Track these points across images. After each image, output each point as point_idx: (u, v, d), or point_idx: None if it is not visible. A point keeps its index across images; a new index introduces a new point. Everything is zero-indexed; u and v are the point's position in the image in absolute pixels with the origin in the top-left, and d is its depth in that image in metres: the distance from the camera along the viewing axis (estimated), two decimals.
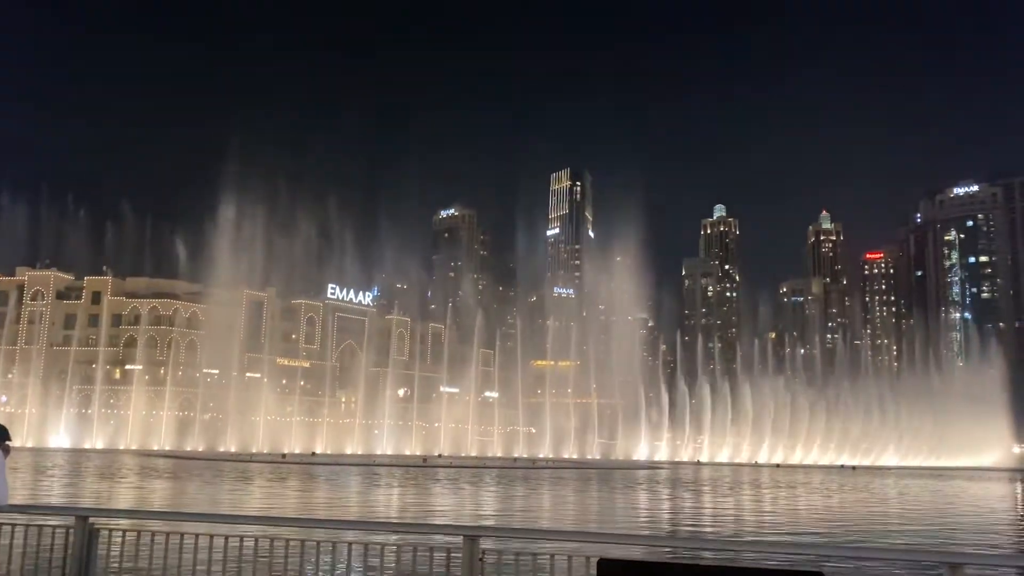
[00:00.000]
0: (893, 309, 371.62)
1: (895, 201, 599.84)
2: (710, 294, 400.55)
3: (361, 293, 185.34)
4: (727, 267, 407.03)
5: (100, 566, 6.81)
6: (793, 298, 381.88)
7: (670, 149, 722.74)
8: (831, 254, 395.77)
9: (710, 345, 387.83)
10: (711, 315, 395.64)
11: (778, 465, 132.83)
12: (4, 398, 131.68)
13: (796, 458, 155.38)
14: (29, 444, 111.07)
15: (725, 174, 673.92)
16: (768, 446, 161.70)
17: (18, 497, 7.20)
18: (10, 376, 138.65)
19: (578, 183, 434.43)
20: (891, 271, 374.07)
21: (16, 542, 6.96)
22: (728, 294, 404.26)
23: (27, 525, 7.05)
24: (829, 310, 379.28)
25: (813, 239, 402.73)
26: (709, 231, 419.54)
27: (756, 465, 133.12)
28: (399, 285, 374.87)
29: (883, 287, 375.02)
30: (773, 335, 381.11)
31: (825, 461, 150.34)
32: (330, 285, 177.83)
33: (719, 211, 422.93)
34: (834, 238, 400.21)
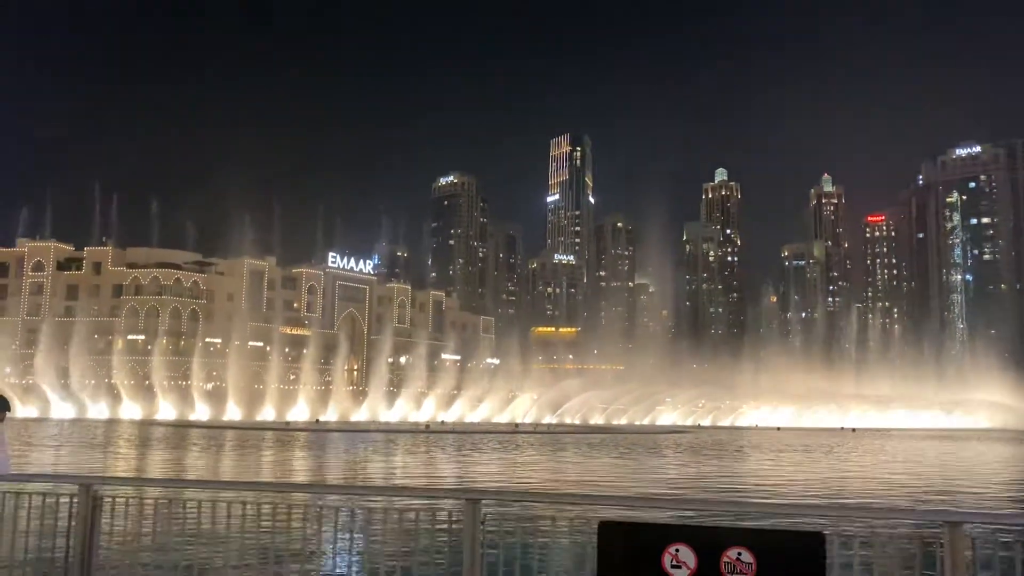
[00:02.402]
0: (895, 272, 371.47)
1: (897, 163, 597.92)
2: (711, 258, 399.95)
3: (362, 261, 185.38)
4: (728, 231, 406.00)
5: (104, 531, 6.83)
6: (795, 261, 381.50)
7: (670, 113, 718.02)
8: (833, 217, 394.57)
9: (711, 309, 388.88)
10: (712, 280, 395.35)
11: (779, 428, 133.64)
12: (8, 369, 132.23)
13: (796, 421, 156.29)
14: (34, 415, 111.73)
15: (726, 138, 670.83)
16: (769, 409, 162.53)
17: (23, 467, 7.19)
18: (13, 347, 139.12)
19: (578, 148, 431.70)
20: (893, 234, 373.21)
21: (20, 511, 6.97)
22: (729, 258, 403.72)
23: (31, 494, 7.07)
24: (830, 273, 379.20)
25: (815, 202, 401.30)
26: (710, 195, 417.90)
27: (757, 428, 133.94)
28: (399, 253, 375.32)
29: (885, 250, 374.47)
30: (774, 298, 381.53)
31: (825, 424, 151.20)
32: (331, 253, 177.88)
33: (720, 175, 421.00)
34: (836, 201, 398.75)
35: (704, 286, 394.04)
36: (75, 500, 6.87)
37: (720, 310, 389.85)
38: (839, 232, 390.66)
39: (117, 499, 6.97)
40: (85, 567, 6.78)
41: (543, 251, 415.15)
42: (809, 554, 5.58)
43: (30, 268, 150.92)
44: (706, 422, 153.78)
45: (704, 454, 52.69)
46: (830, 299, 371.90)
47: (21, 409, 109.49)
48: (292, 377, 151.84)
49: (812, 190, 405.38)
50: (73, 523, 6.83)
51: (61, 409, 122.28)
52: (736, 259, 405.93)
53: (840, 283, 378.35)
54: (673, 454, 52.06)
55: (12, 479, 6.99)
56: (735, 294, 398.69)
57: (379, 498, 7.43)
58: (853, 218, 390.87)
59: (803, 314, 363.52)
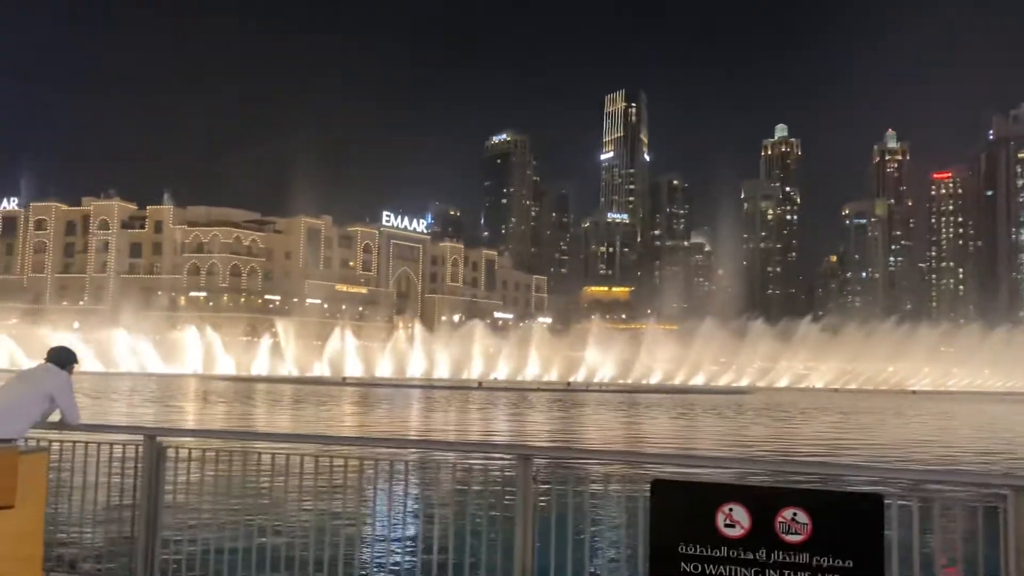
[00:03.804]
0: (961, 231, 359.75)
1: (965, 118, 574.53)
2: (770, 217, 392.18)
3: (415, 220, 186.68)
4: (788, 189, 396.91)
5: (168, 480, 7.07)
6: (855, 220, 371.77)
7: (730, 67, 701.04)
8: (896, 174, 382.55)
9: (769, 269, 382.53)
10: (770, 239, 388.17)
11: (836, 390, 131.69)
12: (77, 324, 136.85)
13: (856, 383, 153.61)
14: (100, 369, 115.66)
15: (787, 93, 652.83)
16: (829, 370, 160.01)
17: (91, 418, 7.47)
18: (81, 303, 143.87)
19: (633, 105, 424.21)
20: (959, 191, 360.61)
21: (90, 459, 7.25)
22: (788, 217, 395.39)
23: (99, 443, 7.33)
24: (893, 232, 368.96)
25: (878, 159, 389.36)
26: (770, 152, 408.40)
27: (815, 390, 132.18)
28: (452, 212, 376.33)
29: (951, 208, 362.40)
30: (834, 258, 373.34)
31: (885, 386, 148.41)
32: (385, 212, 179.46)
33: (780, 131, 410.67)
34: (900, 158, 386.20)
35: (762, 245, 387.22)
36: (140, 450, 7.10)
37: (778, 269, 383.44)
38: (903, 190, 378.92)
39: (180, 449, 7.19)
40: (152, 513, 7.03)
41: (596, 210, 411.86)
42: (867, 516, 5.48)
43: (96, 226, 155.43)
44: (763, 383, 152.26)
45: (763, 415, 52.22)
46: (892, 259, 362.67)
47: (89, 364, 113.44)
48: (348, 334, 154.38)
49: (875, 147, 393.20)
50: (139, 472, 7.07)
51: (127, 364, 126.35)
52: (795, 218, 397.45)
53: (903, 242, 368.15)
54: (732, 415, 51.70)
55: (81, 429, 7.24)
56: (793, 253, 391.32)
57: (432, 452, 7.52)
58: (918, 175, 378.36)
59: (864, 274, 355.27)
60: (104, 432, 7.68)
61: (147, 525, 6.99)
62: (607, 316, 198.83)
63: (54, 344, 7.59)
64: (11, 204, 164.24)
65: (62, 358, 7.14)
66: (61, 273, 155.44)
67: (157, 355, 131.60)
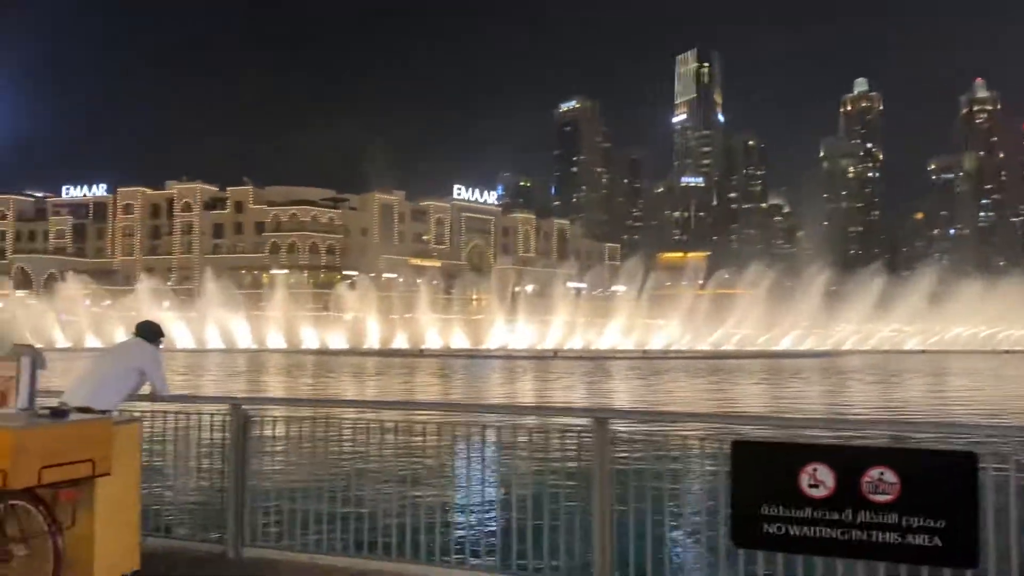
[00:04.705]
0: None
1: None
2: (850, 175, 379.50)
3: (486, 192, 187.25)
4: (869, 145, 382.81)
5: (254, 447, 7.29)
6: (942, 175, 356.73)
7: (805, 20, 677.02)
8: (986, 125, 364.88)
9: (851, 229, 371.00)
10: (852, 198, 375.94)
11: (923, 351, 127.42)
12: (166, 303, 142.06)
13: (943, 344, 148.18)
14: (188, 346, 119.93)
15: (866, 44, 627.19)
16: (917, 331, 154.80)
17: (179, 390, 7.75)
18: (169, 283, 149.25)
19: (706, 64, 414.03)
20: None
21: (180, 429, 7.53)
22: (870, 174, 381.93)
23: (188, 413, 7.61)
24: (983, 186, 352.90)
25: (966, 110, 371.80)
26: (849, 108, 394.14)
27: (903, 352, 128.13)
28: (522, 183, 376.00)
29: None
30: (920, 215, 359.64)
31: (976, 346, 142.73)
32: (456, 185, 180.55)
33: (860, 85, 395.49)
34: (990, 108, 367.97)
35: (843, 204, 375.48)
36: (227, 419, 7.34)
37: (860, 229, 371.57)
38: (993, 141, 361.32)
39: (265, 418, 7.41)
40: (240, 479, 7.28)
41: (669, 174, 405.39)
42: (960, 475, 5.29)
43: (180, 209, 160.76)
44: (847, 346, 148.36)
45: (850, 378, 50.89)
46: (982, 214, 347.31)
47: (178, 342, 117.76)
48: (424, 307, 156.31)
49: (963, 97, 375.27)
50: (226, 440, 7.32)
51: (214, 341, 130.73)
52: (877, 175, 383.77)
53: (994, 196, 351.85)
54: (816, 378, 50.55)
55: (171, 400, 7.52)
56: (876, 212, 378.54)
57: (509, 417, 7.57)
58: (1010, 126, 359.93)
59: (952, 230, 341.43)
60: (193, 403, 7.98)
61: (236, 490, 7.24)
62: (683, 282, 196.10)
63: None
64: (100, 190, 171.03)
65: (150, 332, 7.39)
66: (149, 255, 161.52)
67: (242, 332, 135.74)
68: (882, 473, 5.40)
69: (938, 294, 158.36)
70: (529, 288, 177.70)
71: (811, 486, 5.54)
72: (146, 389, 7.28)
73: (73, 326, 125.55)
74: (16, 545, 5.77)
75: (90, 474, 5.94)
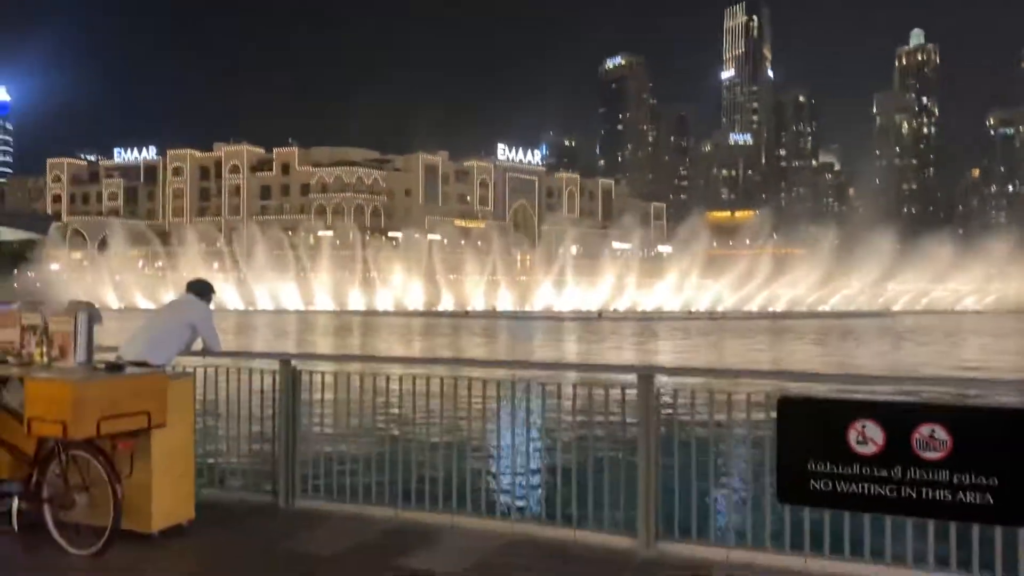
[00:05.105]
0: None
1: None
2: (905, 131, 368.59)
3: (530, 152, 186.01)
4: (924, 100, 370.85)
5: (304, 399, 7.45)
6: (1002, 130, 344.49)
7: None
8: None
9: (904, 186, 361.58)
10: (906, 155, 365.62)
11: (978, 312, 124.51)
12: (216, 265, 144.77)
13: (1003, 304, 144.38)
14: (237, 307, 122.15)
15: None
16: (972, 292, 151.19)
17: (229, 347, 7.93)
18: (218, 244, 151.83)
19: (755, 17, 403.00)
20: None
21: (231, 382, 7.71)
22: (926, 130, 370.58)
23: (239, 368, 7.77)
24: None
25: None
26: (904, 61, 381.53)
27: (957, 312, 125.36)
28: (567, 142, 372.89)
29: None
30: (977, 172, 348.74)
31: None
32: (500, 145, 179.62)
33: (916, 37, 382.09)
34: None
35: (897, 162, 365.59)
36: (277, 375, 7.50)
37: (914, 187, 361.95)
38: None
39: (314, 373, 7.55)
40: (290, 433, 7.45)
41: (717, 132, 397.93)
42: (1014, 432, 5.18)
43: (227, 171, 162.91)
44: (898, 307, 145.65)
45: (904, 338, 49.98)
46: None
47: (228, 302, 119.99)
48: (468, 269, 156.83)
49: None
50: (277, 395, 7.48)
51: (262, 301, 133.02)
52: (933, 131, 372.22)
53: None
54: (869, 338, 49.78)
55: (222, 355, 7.68)
56: (931, 169, 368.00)
57: (555, 373, 7.60)
58: None
59: (1010, 187, 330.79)
60: (243, 358, 8.15)
61: (286, 444, 7.42)
62: (731, 242, 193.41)
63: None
64: (150, 153, 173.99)
65: (201, 289, 7.55)
66: (198, 217, 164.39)
67: (290, 293, 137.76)
68: (933, 431, 5.31)
69: (994, 253, 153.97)
70: (574, 249, 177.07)
71: (859, 443, 5.48)
72: (198, 345, 7.45)
73: (126, 287, 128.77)
74: (78, 493, 6.00)
75: (146, 426, 6.13)
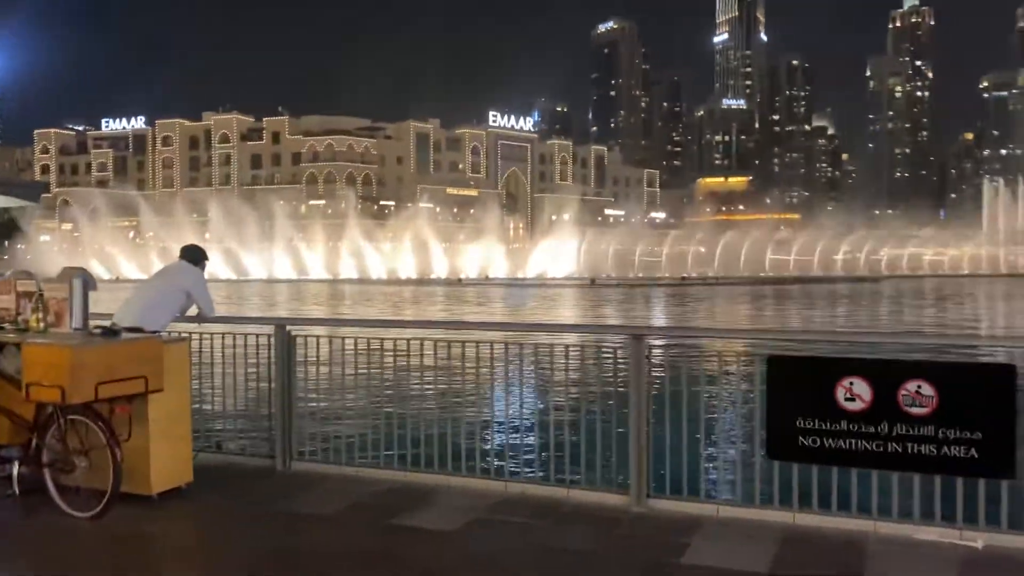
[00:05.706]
0: None
1: None
2: (898, 95, 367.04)
3: (522, 119, 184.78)
4: (919, 63, 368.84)
5: (299, 362, 7.50)
6: (995, 93, 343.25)
7: None
8: None
9: (897, 151, 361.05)
10: (899, 118, 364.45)
11: (970, 275, 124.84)
12: (208, 235, 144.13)
13: (993, 268, 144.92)
14: (232, 277, 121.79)
15: None
16: (962, 255, 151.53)
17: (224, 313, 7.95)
18: (208, 215, 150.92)
19: None
20: None
21: (227, 349, 7.75)
22: (919, 94, 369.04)
23: (234, 334, 7.81)
24: None
25: (1022, 24, 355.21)
26: (899, 24, 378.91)
27: (945, 276, 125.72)
28: (559, 108, 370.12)
29: None
30: (970, 136, 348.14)
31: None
32: (491, 112, 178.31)
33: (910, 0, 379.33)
34: None
35: (890, 126, 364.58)
36: (272, 339, 7.55)
37: (908, 151, 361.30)
38: None
39: (309, 338, 7.61)
40: (286, 398, 7.52)
41: (710, 97, 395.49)
42: (998, 387, 5.28)
43: (217, 140, 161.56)
44: (887, 271, 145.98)
45: (896, 302, 50.21)
46: None
47: (219, 272, 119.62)
48: (461, 236, 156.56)
49: (1020, 10, 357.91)
50: (272, 359, 7.54)
51: (254, 270, 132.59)
52: (927, 95, 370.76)
53: None
54: (859, 302, 50.03)
55: (217, 321, 7.72)
56: (924, 133, 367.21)
57: (548, 335, 7.67)
58: None
59: (1003, 151, 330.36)
60: (238, 324, 8.19)
61: (282, 408, 7.49)
62: (724, 208, 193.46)
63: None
64: (139, 123, 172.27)
65: (195, 255, 7.56)
66: (188, 187, 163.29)
67: (282, 262, 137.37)
68: (919, 386, 5.41)
69: (984, 214, 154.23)
70: (566, 216, 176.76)
71: (847, 399, 5.58)
72: (192, 311, 7.48)
73: (115, 258, 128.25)
74: (78, 457, 6.07)
75: (143, 390, 6.19)
